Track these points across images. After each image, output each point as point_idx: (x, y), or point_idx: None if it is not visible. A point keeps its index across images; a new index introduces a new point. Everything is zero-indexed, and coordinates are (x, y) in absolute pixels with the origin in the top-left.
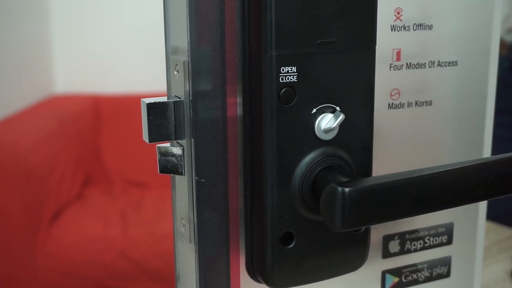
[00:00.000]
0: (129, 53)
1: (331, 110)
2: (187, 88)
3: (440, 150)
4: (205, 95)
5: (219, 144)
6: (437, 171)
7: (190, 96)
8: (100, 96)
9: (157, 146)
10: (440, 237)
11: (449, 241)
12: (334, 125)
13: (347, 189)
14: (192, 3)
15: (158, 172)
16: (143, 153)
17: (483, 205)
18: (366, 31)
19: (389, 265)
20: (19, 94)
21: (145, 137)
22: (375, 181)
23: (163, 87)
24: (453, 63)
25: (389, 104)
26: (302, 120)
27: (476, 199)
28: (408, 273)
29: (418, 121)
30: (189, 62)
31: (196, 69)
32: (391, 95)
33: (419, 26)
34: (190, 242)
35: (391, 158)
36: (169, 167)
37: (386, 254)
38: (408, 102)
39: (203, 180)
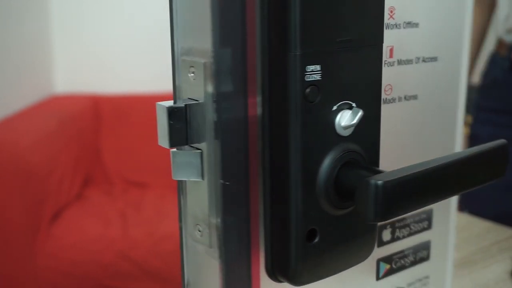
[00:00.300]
0: (129, 53)
1: (348, 107)
2: (209, 89)
3: (426, 142)
4: (228, 96)
5: (242, 145)
6: (451, 159)
7: (214, 98)
8: (100, 96)
9: (172, 151)
10: (423, 223)
11: (429, 226)
12: (354, 121)
13: (379, 182)
14: (216, 4)
15: (172, 178)
16: (143, 153)
17: None
18: (376, 29)
19: (383, 253)
20: (19, 94)
21: (164, 142)
22: (402, 174)
23: (163, 87)
24: (434, 59)
25: (383, 99)
26: (325, 117)
27: (478, 183)
28: (397, 259)
29: (406, 114)
30: (212, 63)
31: (219, 70)
32: (385, 90)
33: (408, 24)
34: (210, 247)
35: (384, 151)
36: (185, 172)
37: (380, 243)
38: (398, 96)
39: (228, 183)
